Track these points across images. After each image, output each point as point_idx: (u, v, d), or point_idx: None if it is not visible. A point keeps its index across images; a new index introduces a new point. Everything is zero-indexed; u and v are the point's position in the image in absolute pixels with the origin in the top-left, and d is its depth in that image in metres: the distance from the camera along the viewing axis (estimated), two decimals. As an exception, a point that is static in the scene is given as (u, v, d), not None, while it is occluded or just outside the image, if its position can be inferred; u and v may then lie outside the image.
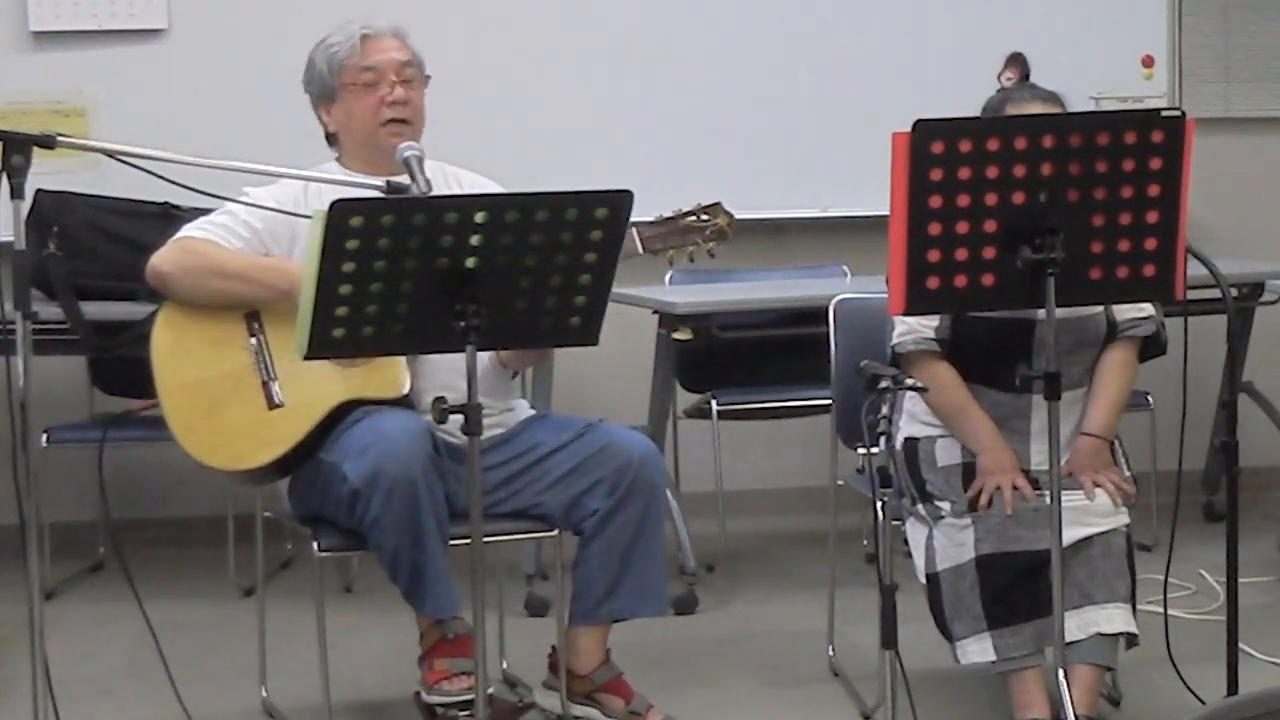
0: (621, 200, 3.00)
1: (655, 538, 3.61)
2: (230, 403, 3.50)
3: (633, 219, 3.05)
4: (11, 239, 3.02)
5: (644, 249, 3.57)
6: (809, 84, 5.73)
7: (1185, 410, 3.50)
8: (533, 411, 3.83)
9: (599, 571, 3.58)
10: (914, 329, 3.60)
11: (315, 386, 3.49)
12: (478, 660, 3.06)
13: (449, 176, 3.75)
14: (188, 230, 3.62)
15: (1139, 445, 4.53)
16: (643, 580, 3.59)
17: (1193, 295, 3.36)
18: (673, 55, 5.68)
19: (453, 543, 3.42)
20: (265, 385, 3.51)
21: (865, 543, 5.15)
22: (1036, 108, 3.59)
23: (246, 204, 3.57)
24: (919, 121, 3.09)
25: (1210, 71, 6.09)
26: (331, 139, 3.76)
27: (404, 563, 3.40)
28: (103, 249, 4.91)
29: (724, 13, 5.70)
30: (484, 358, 3.57)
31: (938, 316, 3.59)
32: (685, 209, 3.61)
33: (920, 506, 3.60)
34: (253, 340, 3.55)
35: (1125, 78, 5.85)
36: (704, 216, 3.59)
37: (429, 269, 2.92)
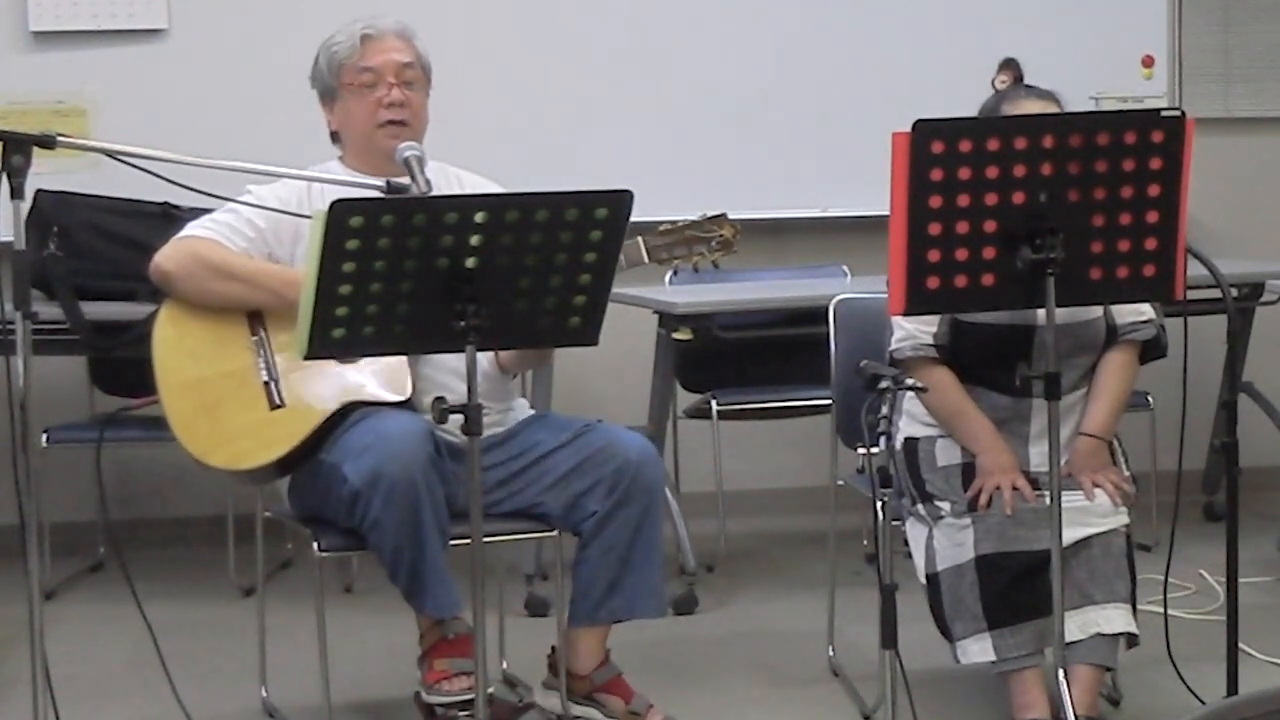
0: (621, 200, 3.00)
1: (654, 539, 3.60)
2: (231, 402, 3.50)
3: (635, 219, 3.05)
4: (11, 239, 3.02)
5: (649, 258, 3.57)
6: (809, 84, 5.73)
7: (1185, 410, 3.50)
8: (532, 411, 3.83)
9: (598, 573, 3.58)
10: (912, 334, 3.60)
11: (317, 387, 3.49)
12: (478, 660, 3.06)
13: (451, 177, 3.74)
14: (192, 229, 3.62)
15: (1139, 445, 4.53)
16: (641, 581, 3.59)
17: (1193, 295, 3.36)
18: (672, 55, 5.68)
19: (453, 543, 3.42)
20: (267, 385, 3.51)
21: (865, 543, 5.15)
22: (1032, 106, 3.60)
23: (249, 204, 3.57)
24: (919, 121, 3.09)
25: (1210, 71, 6.09)
26: (334, 137, 3.76)
27: (404, 563, 3.40)
28: (103, 249, 4.91)
29: (724, 12, 5.70)
30: (483, 362, 3.57)
31: (936, 321, 3.59)
32: (691, 218, 3.61)
33: (920, 506, 3.60)
34: (255, 339, 3.55)
35: (1125, 78, 5.85)
36: (710, 227, 3.60)
37: (429, 269, 2.92)
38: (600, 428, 3.64)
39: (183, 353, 3.53)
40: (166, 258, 3.57)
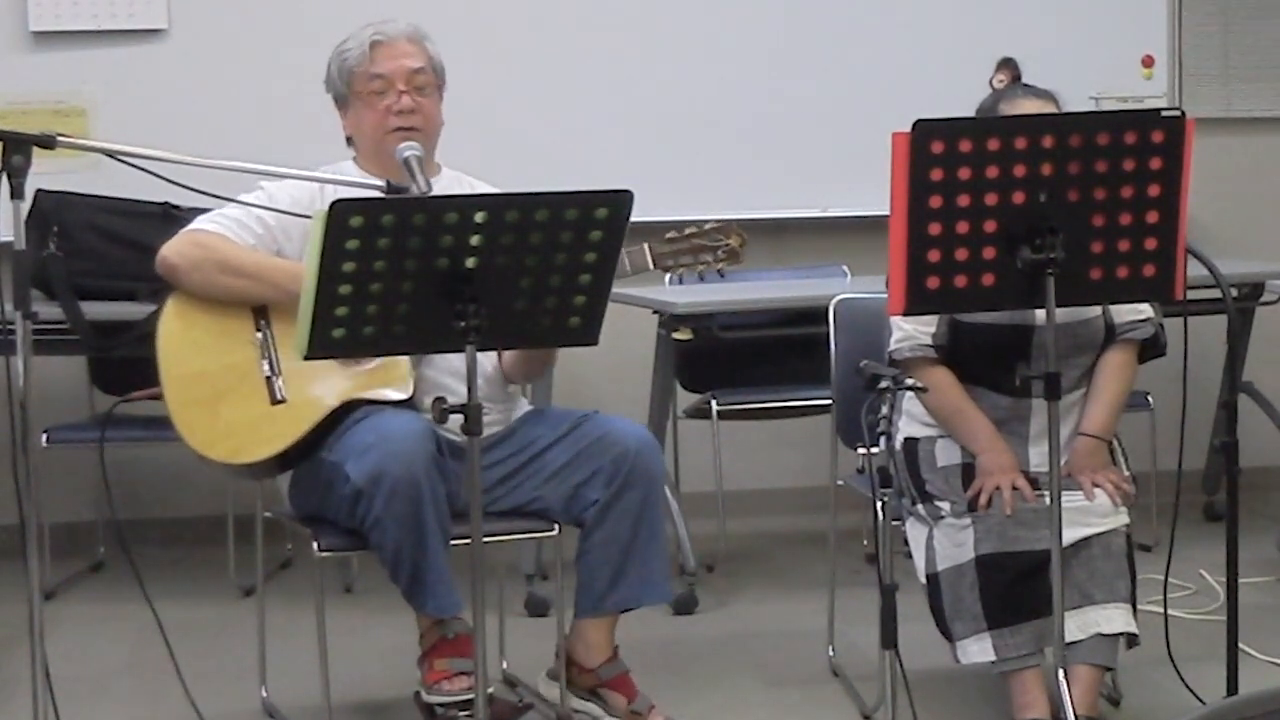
0: (621, 200, 3.00)
1: (656, 526, 3.61)
2: (233, 396, 3.50)
3: (635, 220, 3.04)
4: (11, 239, 3.02)
5: (655, 265, 3.57)
6: (809, 84, 5.73)
7: (1185, 410, 3.50)
8: (530, 407, 3.83)
9: (602, 562, 3.59)
10: (911, 335, 3.60)
11: (319, 384, 3.49)
12: (478, 660, 3.06)
13: (465, 186, 3.74)
14: (200, 222, 3.62)
15: (1139, 445, 4.53)
16: (646, 569, 3.60)
17: (1193, 295, 3.36)
18: (673, 55, 5.68)
19: (453, 543, 3.42)
20: (269, 380, 3.51)
21: (865, 543, 5.15)
22: (1031, 106, 3.60)
23: (250, 203, 3.56)
24: (919, 121, 3.09)
25: (1210, 71, 6.09)
26: (350, 140, 3.76)
27: (405, 563, 3.40)
28: (103, 249, 4.91)
29: (724, 13, 5.70)
30: (486, 367, 3.58)
31: (934, 322, 3.59)
32: (697, 226, 3.60)
33: (920, 506, 3.60)
34: (259, 335, 3.55)
35: (1125, 78, 5.85)
36: (717, 236, 3.59)
37: (429, 269, 2.92)
38: (597, 418, 3.65)
39: (187, 345, 3.53)
40: (173, 250, 3.58)
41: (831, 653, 4.15)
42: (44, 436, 4.68)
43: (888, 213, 3.14)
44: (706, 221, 3.62)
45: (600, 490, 3.56)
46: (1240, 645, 3.49)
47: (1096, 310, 3.60)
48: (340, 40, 3.74)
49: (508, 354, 3.67)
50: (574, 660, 3.68)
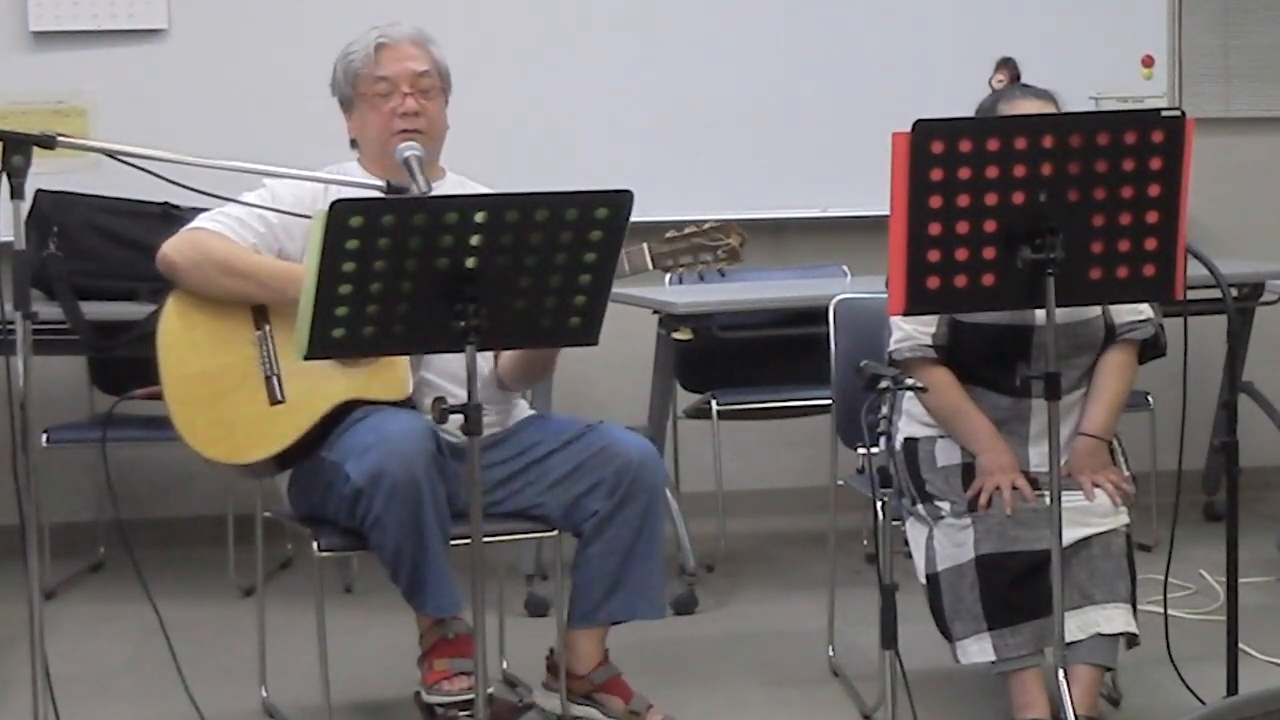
0: (621, 200, 3.00)
1: (654, 540, 3.60)
2: (233, 396, 3.50)
3: (635, 220, 3.04)
4: (11, 239, 3.02)
5: (654, 265, 3.56)
6: (809, 84, 5.73)
7: (1185, 410, 3.50)
8: (532, 411, 3.83)
9: (598, 574, 3.58)
10: (911, 335, 3.60)
11: (318, 384, 3.49)
12: (478, 660, 3.06)
13: (467, 191, 3.74)
14: (202, 221, 3.62)
15: (1139, 445, 4.53)
16: (641, 583, 3.60)
17: (1193, 295, 3.36)
18: (673, 55, 5.68)
19: (453, 543, 3.42)
20: (268, 380, 3.51)
21: (865, 543, 5.15)
22: (1030, 106, 3.60)
23: (253, 203, 3.56)
24: (919, 121, 3.09)
25: (1210, 71, 6.09)
26: (354, 143, 3.76)
27: (405, 562, 3.40)
28: (103, 249, 4.91)
29: (724, 13, 5.70)
30: (483, 370, 3.57)
31: (934, 322, 3.59)
32: (697, 225, 3.60)
33: (920, 506, 3.60)
34: (259, 334, 3.55)
35: (1125, 78, 5.85)
36: (716, 235, 3.58)
37: (429, 269, 2.92)
38: (601, 429, 3.64)
39: (187, 345, 3.53)
40: (174, 249, 3.57)
41: (831, 653, 4.15)
42: (44, 436, 4.68)
43: (888, 213, 3.14)
44: (706, 221, 3.61)
45: (601, 502, 3.56)
46: (1240, 645, 3.49)
47: (1096, 310, 3.60)
48: (345, 43, 3.74)
49: (504, 361, 3.67)
50: (566, 668, 3.68)
